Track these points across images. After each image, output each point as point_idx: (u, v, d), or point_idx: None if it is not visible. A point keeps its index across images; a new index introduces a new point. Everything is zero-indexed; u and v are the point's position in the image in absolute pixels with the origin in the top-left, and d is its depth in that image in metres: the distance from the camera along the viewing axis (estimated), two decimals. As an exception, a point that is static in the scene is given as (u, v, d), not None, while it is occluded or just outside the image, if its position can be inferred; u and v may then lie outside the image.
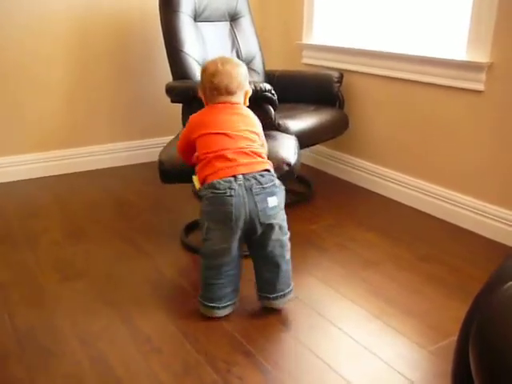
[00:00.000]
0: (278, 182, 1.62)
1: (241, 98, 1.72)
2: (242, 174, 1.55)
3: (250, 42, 2.78)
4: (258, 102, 2.05)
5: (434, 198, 2.41)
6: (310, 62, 3.02)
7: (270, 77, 2.82)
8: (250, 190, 1.54)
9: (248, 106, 1.75)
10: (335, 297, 1.77)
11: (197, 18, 2.59)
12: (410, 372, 1.41)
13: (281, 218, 1.61)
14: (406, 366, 1.43)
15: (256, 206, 1.54)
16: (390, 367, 1.43)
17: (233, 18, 2.76)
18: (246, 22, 2.79)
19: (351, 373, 1.41)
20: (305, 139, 2.31)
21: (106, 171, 3.06)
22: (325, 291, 1.81)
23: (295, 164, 1.94)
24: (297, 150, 2.02)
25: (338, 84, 2.64)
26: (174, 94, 2.30)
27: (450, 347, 1.46)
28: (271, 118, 2.18)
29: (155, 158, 2.04)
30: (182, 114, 2.33)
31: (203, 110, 1.72)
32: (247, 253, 1.67)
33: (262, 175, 1.58)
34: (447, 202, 2.35)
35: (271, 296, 1.63)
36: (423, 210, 2.47)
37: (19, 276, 1.90)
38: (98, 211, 2.49)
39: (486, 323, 0.80)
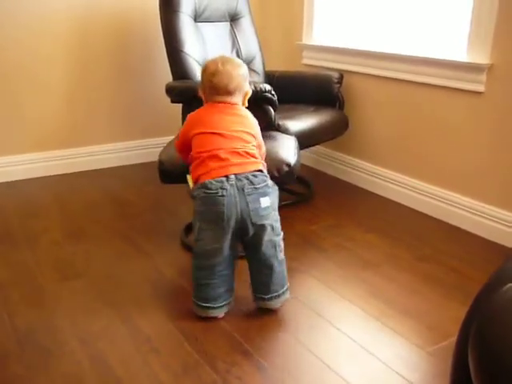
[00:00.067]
0: (270, 182, 1.62)
1: (239, 99, 1.71)
2: (235, 174, 1.56)
3: (250, 43, 2.79)
4: (258, 102, 2.05)
5: (434, 198, 2.41)
6: (310, 62, 3.02)
7: (269, 77, 2.83)
8: (242, 190, 1.54)
9: (248, 107, 1.75)
10: (334, 297, 1.78)
11: (197, 18, 2.59)
12: (408, 373, 1.41)
13: (273, 219, 1.60)
14: (405, 367, 1.44)
15: (248, 206, 1.54)
16: (388, 368, 1.43)
17: (233, 19, 2.76)
18: (246, 23, 2.79)
19: (350, 373, 1.41)
20: (305, 140, 2.32)
21: (106, 171, 3.06)
22: (324, 292, 1.81)
23: (295, 164, 1.94)
24: (297, 151, 2.03)
25: (338, 85, 2.65)
26: (173, 94, 2.31)
27: (448, 348, 1.46)
28: (271, 119, 2.18)
29: (155, 158, 2.04)
30: (182, 114, 2.33)
31: (202, 108, 1.73)
32: (243, 254, 1.67)
33: (254, 175, 1.58)
34: (446, 202, 2.36)
35: (266, 297, 1.64)
36: (422, 210, 2.47)
37: (19, 276, 1.90)
38: (97, 211, 2.49)
39: (485, 325, 0.80)
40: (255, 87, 2.03)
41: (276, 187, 1.65)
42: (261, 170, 1.62)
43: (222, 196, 1.53)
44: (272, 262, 1.61)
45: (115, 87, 3.04)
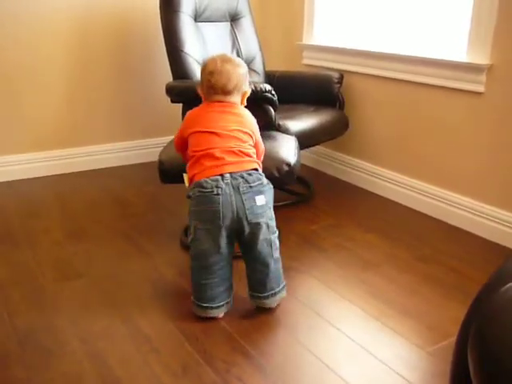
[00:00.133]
0: (265, 180, 1.62)
1: (238, 98, 1.71)
2: (230, 173, 1.56)
3: (250, 43, 2.79)
4: (258, 102, 2.05)
5: (433, 198, 2.42)
6: (310, 62, 3.02)
7: (270, 77, 2.83)
8: (238, 188, 1.54)
9: (248, 107, 1.75)
10: (334, 297, 1.78)
11: (197, 18, 2.59)
12: (408, 373, 1.42)
13: (268, 217, 1.60)
14: (405, 367, 1.44)
15: (243, 204, 1.54)
16: (388, 368, 1.43)
17: (233, 19, 2.76)
18: (246, 23, 2.79)
19: (350, 373, 1.41)
20: (305, 140, 2.32)
21: (106, 171, 3.06)
22: (324, 292, 1.81)
23: (295, 164, 1.95)
24: (297, 151, 2.03)
25: (338, 85, 2.65)
26: (173, 93, 2.31)
27: (448, 348, 1.47)
28: (271, 119, 2.18)
29: (155, 158, 2.04)
30: (182, 113, 2.33)
31: (200, 106, 1.73)
32: (240, 253, 1.67)
33: (249, 174, 1.58)
34: (446, 202, 2.36)
35: (262, 295, 1.64)
36: (422, 210, 2.47)
37: (20, 276, 1.91)
38: (98, 211, 2.49)
39: (485, 325, 0.80)
40: (255, 87, 2.03)
41: (271, 186, 1.65)
42: (256, 169, 1.62)
43: (218, 195, 1.53)
44: (268, 260, 1.61)
45: (115, 87, 3.04)
